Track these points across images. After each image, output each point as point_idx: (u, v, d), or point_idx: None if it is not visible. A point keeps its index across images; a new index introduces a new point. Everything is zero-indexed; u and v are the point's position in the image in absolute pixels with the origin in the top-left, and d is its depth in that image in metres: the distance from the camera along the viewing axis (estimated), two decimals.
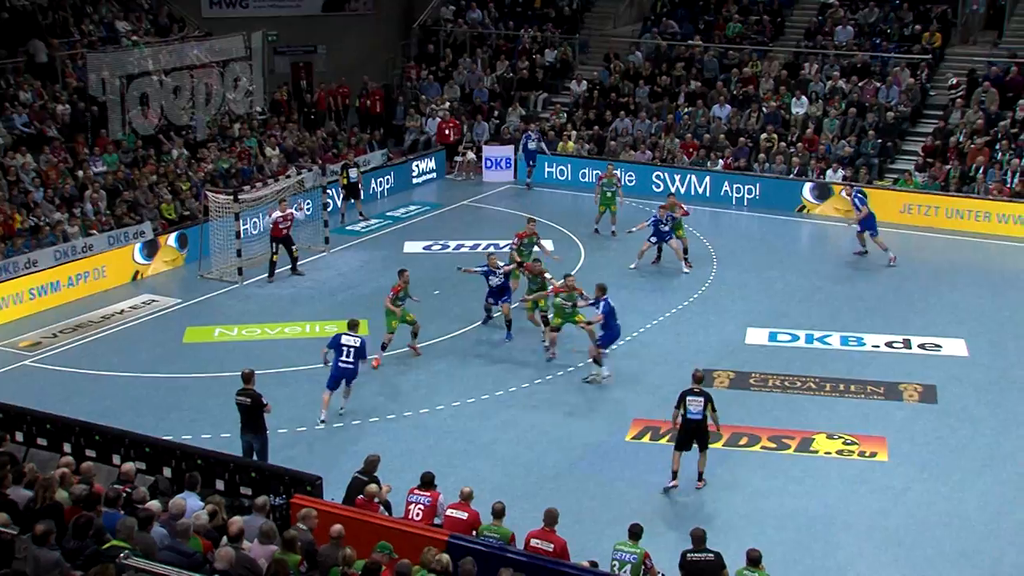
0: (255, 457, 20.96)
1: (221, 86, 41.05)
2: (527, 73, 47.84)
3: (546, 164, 42.89)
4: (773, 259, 34.55)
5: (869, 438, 23.50)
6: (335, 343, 23.79)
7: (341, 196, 38.50)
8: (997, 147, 39.06)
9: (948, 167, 38.85)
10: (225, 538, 14.79)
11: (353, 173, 38.44)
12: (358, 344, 23.79)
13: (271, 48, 46.20)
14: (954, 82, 41.92)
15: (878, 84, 42.56)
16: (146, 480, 17.93)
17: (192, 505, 15.96)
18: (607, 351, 26.12)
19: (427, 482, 18.20)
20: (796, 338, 28.51)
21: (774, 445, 23.19)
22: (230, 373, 23.82)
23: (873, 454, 22.96)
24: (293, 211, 33.32)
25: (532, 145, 42.21)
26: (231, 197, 33.66)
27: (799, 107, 42.53)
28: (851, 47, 44.43)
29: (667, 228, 32.82)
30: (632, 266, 33.17)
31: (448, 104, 46.43)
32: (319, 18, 50.16)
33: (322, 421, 23.80)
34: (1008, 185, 37.81)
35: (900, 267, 33.95)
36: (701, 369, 22.43)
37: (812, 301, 30.85)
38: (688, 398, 21.44)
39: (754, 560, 16.27)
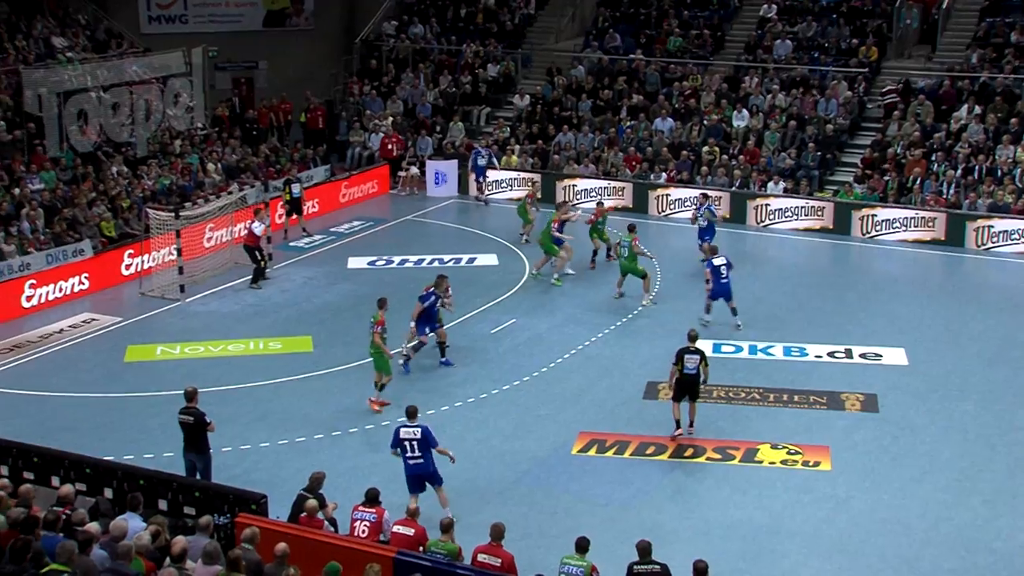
0: (198, 476, 20.72)
1: (161, 102, 40.91)
2: (470, 88, 47.83)
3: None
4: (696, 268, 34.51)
5: (812, 448, 23.55)
6: (396, 439, 20.50)
7: (284, 212, 38.28)
8: (933, 158, 39.42)
9: (887, 178, 39.19)
10: (168, 559, 14.59)
11: (296, 189, 38.16)
12: (419, 435, 20.37)
13: (211, 64, 45.85)
14: (888, 87, 42.40)
15: (817, 97, 42.88)
16: (87, 502, 17.72)
17: (134, 526, 15.74)
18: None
19: (372, 498, 18.09)
20: (740, 349, 28.57)
21: (719, 456, 23.19)
22: (172, 392, 23.60)
23: (816, 463, 23.01)
24: (258, 223, 33.41)
25: (482, 161, 42.17)
26: (172, 214, 33.49)
27: (740, 120, 42.76)
28: (790, 61, 44.74)
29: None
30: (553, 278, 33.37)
31: (391, 119, 46.30)
32: (260, 33, 50.06)
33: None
34: (944, 196, 38.14)
35: (841, 278, 34.22)
36: (695, 331, 24.42)
37: (754, 312, 30.82)
38: (686, 356, 23.50)
39: (700, 571, 16.18)
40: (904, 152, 39.90)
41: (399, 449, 20.36)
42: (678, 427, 23.56)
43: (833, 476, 22.60)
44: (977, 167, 38.68)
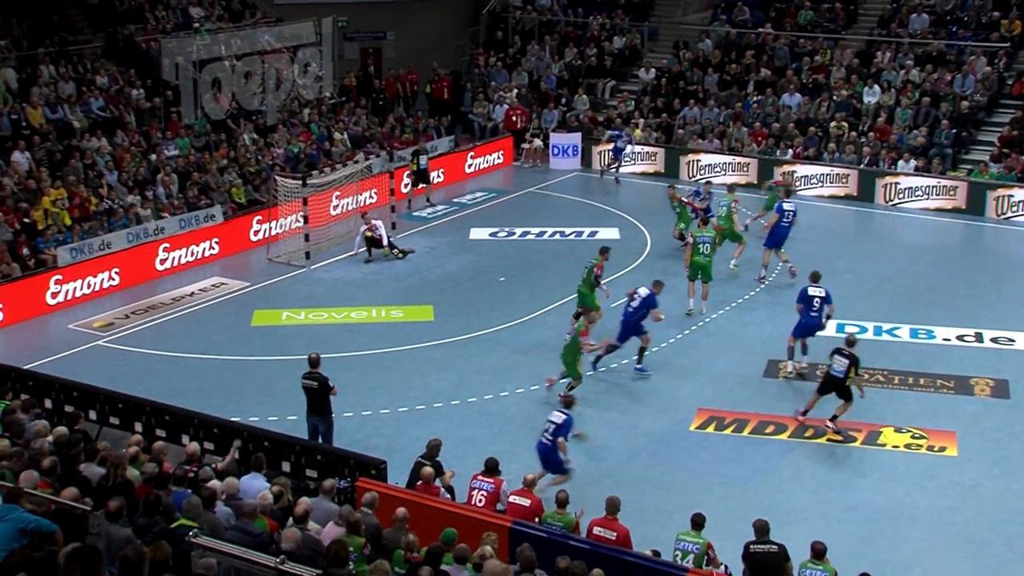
0: (321, 440, 21.09)
1: (291, 71, 41.42)
2: (595, 60, 47.80)
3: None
4: (842, 250, 34.24)
5: (938, 432, 23.25)
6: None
7: (410, 182, 38.64)
8: None
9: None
10: (291, 519, 14.93)
11: (423, 160, 38.54)
12: (559, 421, 20.65)
13: (341, 34, 46.36)
14: None
15: (954, 73, 42.15)
16: (212, 460, 18.19)
17: (257, 486, 16.13)
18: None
19: (491, 468, 18.32)
20: (864, 330, 28.07)
21: (840, 438, 22.99)
22: (297, 356, 23.97)
23: (942, 449, 22.73)
24: (377, 223, 33.77)
25: (621, 145, 41.68)
26: (299, 182, 33.98)
27: (871, 96, 42.22)
28: (926, 35, 43.97)
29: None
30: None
31: (516, 91, 46.49)
32: (388, 4, 50.38)
33: None
34: None
35: (973, 259, 33.75)
36: (854, 335, 23.62)
37: (880, 293, 30.60)
38: (835, 356, 22.98)
39: (819, 553, 16.17)
40: None
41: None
42: (804, 413, 23.46)
43: (959, 462, 22.26)
44: None
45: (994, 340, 27.94)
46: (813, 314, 25.46)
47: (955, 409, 24.41)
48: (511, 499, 17.82)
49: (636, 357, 25.86)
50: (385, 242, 33.53)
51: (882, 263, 32.96)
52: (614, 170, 41.64)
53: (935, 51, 43.09)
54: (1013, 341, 27.71)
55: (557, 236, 35.23)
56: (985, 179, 38.21)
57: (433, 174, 39.74)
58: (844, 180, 39.33)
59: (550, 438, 20.41)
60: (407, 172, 38.80)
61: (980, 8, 44.35)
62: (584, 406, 24.22)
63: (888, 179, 39.21)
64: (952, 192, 38.02)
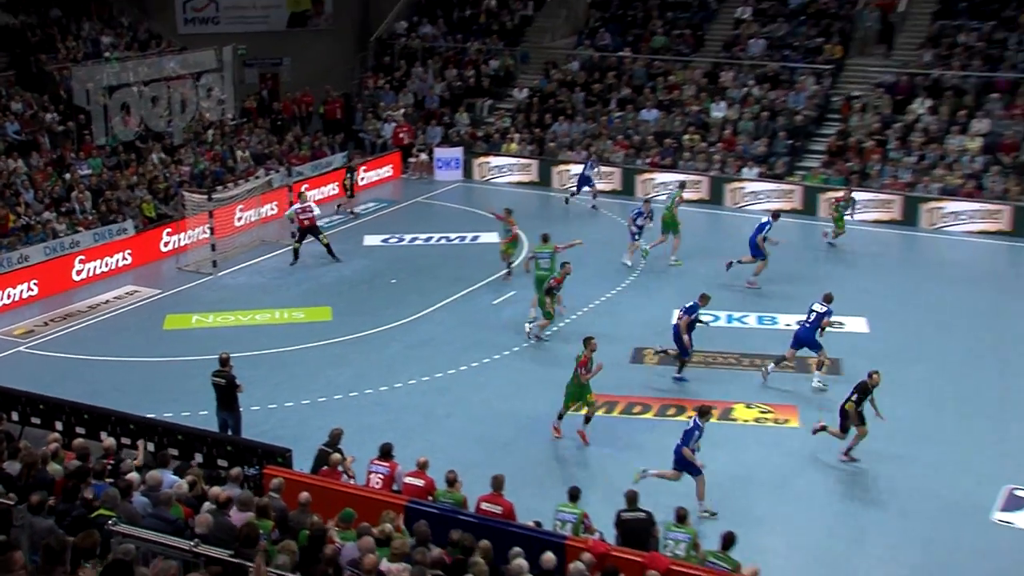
0: (230, 432, 20.82)
1: (195, 96, 40.82)
2: (474, 81, 47.66)
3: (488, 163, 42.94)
4: (696, 249, 34.42)
5: (782, 407, 23.68)
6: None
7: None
8: (890, 146, 39.42)
9: (849, 164, 39.15)
10: (215, 504, 14.66)
11: (351, 175, 39.15)
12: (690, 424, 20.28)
13: (241, 61, 45.77)
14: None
15: (787, 91, 42.79)
16: (131, 454, 17.81)
17: (167, 480, 15.80)
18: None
19: (385, 453, 18.19)
20: (717, 319, 28.47)
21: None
22: (207, 356, 23.52)
23: (786, 421, 23.12)
24: (311, 205, 33.72)
25: (588, 172, 39.62)
26: (206, 196, 33.65)
27: (718, 111, 42.66)
28: (763, 58, 44.58)
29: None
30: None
31: (403, 110, 46.23)
32: (284, 33, 49.87)
33: None
34: (900, 179, 38.14)
35: (811, 254, 34.24)
36: (877, 373, 21.60)
37: (732, 287, 30.85)
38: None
39: (681, 517, 16.39)
40: (864, 140, 39.99)
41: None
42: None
43: (801, 432, 22.60)
44: (930, 154, 38.71)
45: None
46: (807, 325, 25.28)
47: (796, 386, 24.77)
48: (406, 480, 17.70)
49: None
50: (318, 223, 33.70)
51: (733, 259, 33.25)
52: (590, 196, 39.82)
53: (771, 72, 43.68)
54: (844, 324, 27.97)
55: (443, 241, 35.17)
56: (817, 182, 38.76)
57: (327, 187, 39.45)
58: (697, 186, 39.60)
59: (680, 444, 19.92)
60: (343, 181, 39.20)
61: (806, 36, 44.98)
62: (471, 391, 24.31)
63: (735, 184, 39.63)
64: (790, 195, 38.55)
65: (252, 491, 16.09)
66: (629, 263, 32.51)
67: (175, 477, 16.09)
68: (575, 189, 39.65)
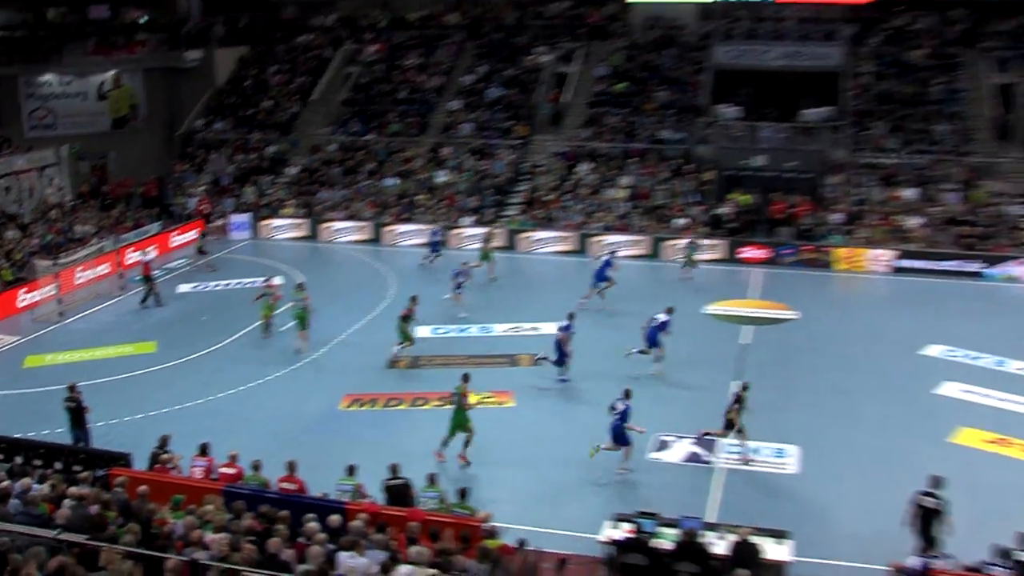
0: (82, 444, 20.09)
1: (40, 184, 39.05)
2: (257, 163, 46.69)
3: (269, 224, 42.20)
4: (427, 279, 34.69)
5: (502, 392, 23.98)
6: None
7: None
8: (565, 197, 40.64)
9: (538, 211, 40.14)
10: (65, 501, 14.10)
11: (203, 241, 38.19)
12: (620, 409, 20.04)
13: (75, 156, 43.74)
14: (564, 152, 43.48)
15: (491, 160, 43.53)
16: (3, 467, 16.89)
17: (35, 484, 15.08)
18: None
19: (203, 450, 17.82)
20: (450, 330, 28.87)
21: (440, 402, 23.30)
22: (59, 386, 22.29)
23: (504, 402, 23.48)
24: (151, 259, 33.31)
25: (434, 239, 37.77)
26: (52, 261, 32.26)
27: (441, 176, 43.04)
28: (471, 136, 45.19)
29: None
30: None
31: (203, 187, 44.91)
32: (109, 133, 47.74)
33: None
34: (574, 221, 39.34)
35: (513, 278, 34.81)
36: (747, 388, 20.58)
37: (459, 305, 31.19)
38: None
39: (431, 479, 16.59)
40: (547, 193, 41.08)
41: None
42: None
43: (517, 410, 23.10)
44: (592, 203, 40.08)
45: (530, 329, 29.01)
46: (645, 326, 25.27)
47: (510, 376, 25.19)
48: (221, 470, 17.39)
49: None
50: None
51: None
52: (431, 260, 37.22)
53: (478, 146, 44.39)
54: (538, 328, 28.80)
55: (239, 286, 34.35)
56: (516, 226, 39.61)
57: (146, 249, 37.79)
58: (422, 233, 39.92)
59: (619, 421, 19.76)
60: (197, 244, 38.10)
61: (502, 119, 45.83)
62: (266, 399, 23.89)
63: (456, 230, 40.07)
64: (498, 237, 38.97)
65: (101, 488, 15.49)
66: (464, 314, 30.33)
67: (37, 484, 15.37)
68: (430, 252, 37.24)
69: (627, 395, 20.23)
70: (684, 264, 35.17)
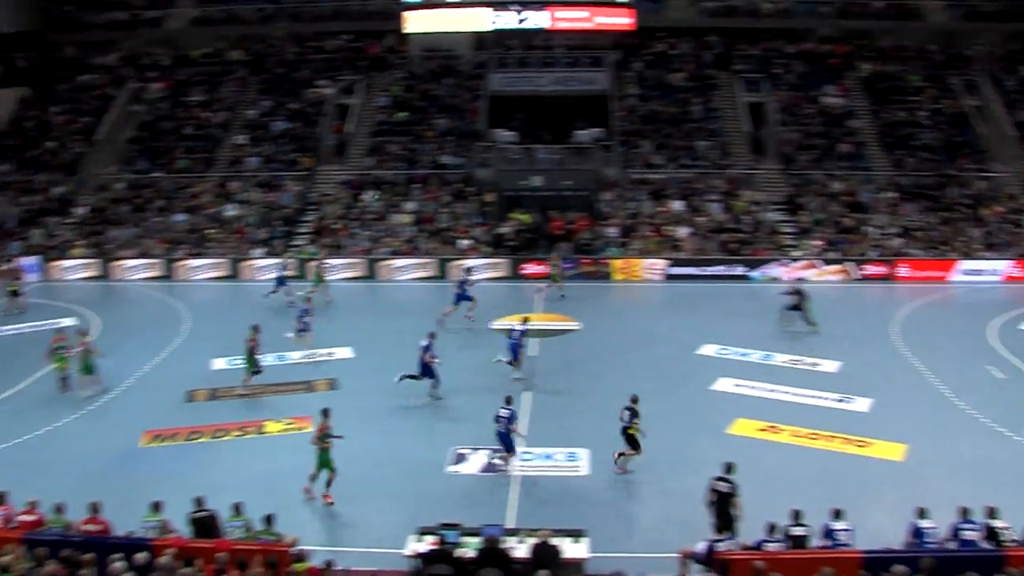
0: None
1: None
2: (44, 204, 44.67)
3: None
4: (218, 311, 34.23)
5: (301, 418, 23.83)
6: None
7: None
8: (353, 225, 40.99)
9: (327, 239, 40.18)
10: None
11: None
12: (507, 415, 20.96)
13: None
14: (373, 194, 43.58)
15: (279, 192, 43.32)
16: None
17: None
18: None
19: (0, 500, 17.21)
20: (284, 359, 28.22)
21: (240, 432, 23.33)
22: None
23: (304, 428, 23.19)
24: None
25: (280, 275, 36.11)
26: None
27: (231, 210, 42.57)
28: (259, 170, 44.85)
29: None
30: None
31: None
32: None
33: None
34: (362, 247, 39.66)
35: (332, 306, 34.38)
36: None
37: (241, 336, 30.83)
38: (623, 411, 20.69)
39: (237, 509, 16.63)
40: (334, 222, 41.29)
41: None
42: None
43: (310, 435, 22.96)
44: (379, 228, 40.55)
45: (325, 355, 28.76)
46: (513, 340, 26.32)
47: (308, 401, 24.96)
48: (20, 518, 16.84)
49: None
50: None
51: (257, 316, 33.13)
52: (273, 292, 35.55)
53: (266, 179, 44.08)
54: (333, 354, 28.78)
55: (30, 329, 32.87)
56: (306, 255, 39.43)
57: None
58: (220, 265, 39.51)
59: (505, 428, 20.65)
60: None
61: (288, 152, 45.58)
62: (65, 442, 23.09)
63: (247, 261, 39.66)
64: (288, 266, 38.43)
65: None
66: (307, 349, 29.29)
67: None
68: (276, 286, 35.79)
69: (508, 402, 21.20)
70: (551, 281, 36.10)
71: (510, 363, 26.31)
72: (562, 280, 36.18)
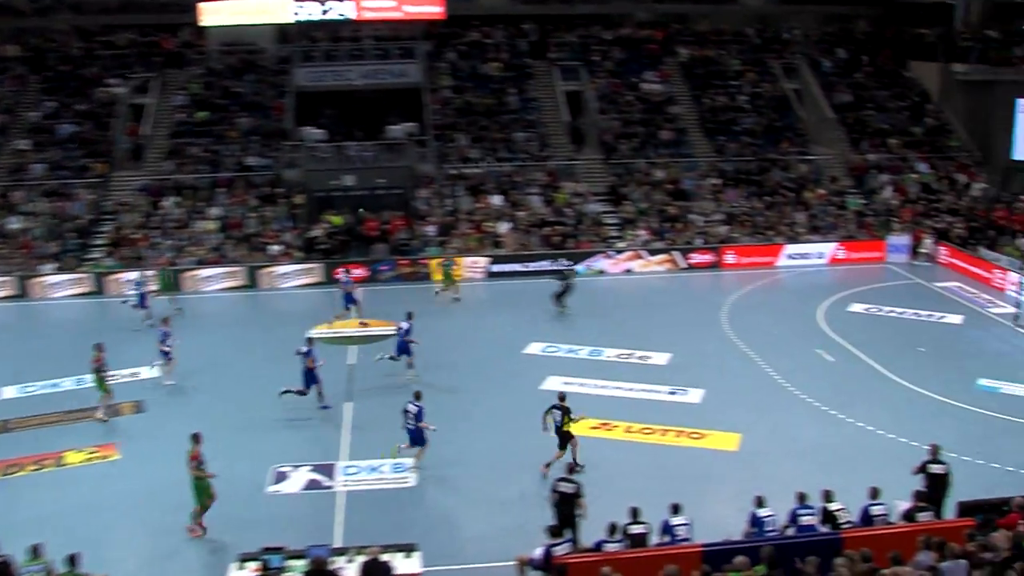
0: None
1: None
2: None
3: None
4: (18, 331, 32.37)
5: (103, 446, 22.86)
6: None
7: None
8: (154, 234, 39.45)
9: (126, 250, 38.59)
10: None
11: None
12: (415, 410, 21.25)
13: None
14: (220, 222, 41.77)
15: (69, 201, 41.14)
16: None
17: None
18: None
19: None
20: (40, 387, 26.93)
21: (37, 466, 22.02)
22: None
23: (108, 456, 22.44)
24: None
25: (139, 290, 33.48)
26: None
27: (14, 223, 39.91)
28: (45, 178, 42.24)
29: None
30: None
31: None
32: None
33: None
34: (166, 257, 38.21)
35: (101, 322, 33.16)
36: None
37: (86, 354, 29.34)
38: (552, 411, 21.01)
39: (35, 551, 15.73)
40: (126, 231, 39.71)
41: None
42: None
43: (123, 463, 22.17)
44: (183, 236, 39.25)
45: (132, 375, 27.60)
46: (402, 339, 26.60)
47: (111, 427, 23.94)
48: None
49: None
50: None
51: (40, 335, 31.55)
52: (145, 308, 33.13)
53: (54, 188, 41.80)
54: (138, 374, 27.75)
55: None
56: (103, 269, 37.76)
57: None
58: (5, 284, 37.20)
59: (413, 423, 20.94)
60: None
61: (77, 157, 43.57)
62: None
63: (37, 279, 37.28)
64: (82, 282, 36.99)
65: None
66: (170, 382, 27.16)
67: None
68: (138, 306, 33.38)
69: (417, 397, 21.31)
70: (443, 286, 35.65)
71: (392, 358, 26.74)
72: (456, 282, 35.85)
